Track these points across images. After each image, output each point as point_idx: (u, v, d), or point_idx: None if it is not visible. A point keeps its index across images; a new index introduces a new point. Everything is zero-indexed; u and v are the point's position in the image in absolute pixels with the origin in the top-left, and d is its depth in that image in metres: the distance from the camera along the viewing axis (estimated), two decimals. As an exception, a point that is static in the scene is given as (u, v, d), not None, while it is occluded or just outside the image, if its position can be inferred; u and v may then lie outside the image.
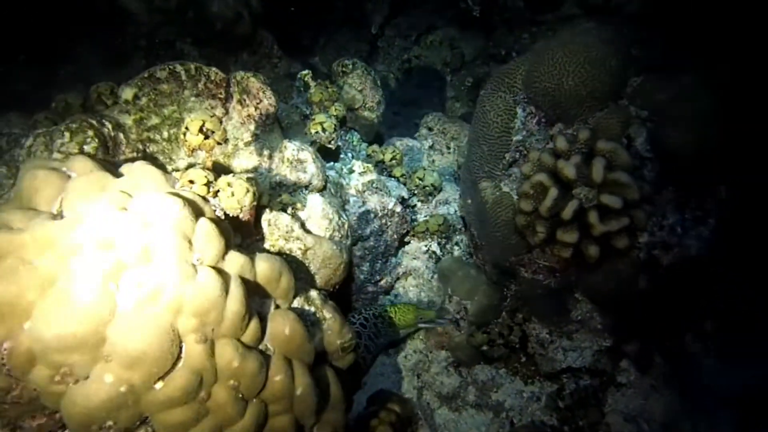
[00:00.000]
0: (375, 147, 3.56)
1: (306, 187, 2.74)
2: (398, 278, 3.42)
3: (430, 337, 3.26)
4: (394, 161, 3.45)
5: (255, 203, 2.15)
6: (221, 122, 2.26)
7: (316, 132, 2.98)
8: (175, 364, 1.84)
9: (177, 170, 2.42)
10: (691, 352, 2.93)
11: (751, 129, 2.39)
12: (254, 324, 2.00)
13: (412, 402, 3.07)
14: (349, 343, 2.31)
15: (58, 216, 1.93)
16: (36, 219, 1.87)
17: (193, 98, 2.65)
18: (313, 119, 3.01)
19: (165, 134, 2.61)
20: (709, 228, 2.48)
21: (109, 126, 2.50)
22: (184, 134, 2.24)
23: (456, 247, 3.48)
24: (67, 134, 2.35)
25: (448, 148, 4.02)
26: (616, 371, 2.93)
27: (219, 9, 4.43)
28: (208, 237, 1.95)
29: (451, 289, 3.22)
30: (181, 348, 1.86)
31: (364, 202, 3.12)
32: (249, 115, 2.68)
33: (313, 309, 2.27)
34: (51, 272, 1.79)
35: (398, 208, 3.24)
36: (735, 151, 2.42)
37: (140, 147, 2.58)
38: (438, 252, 3.45)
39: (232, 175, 2.09)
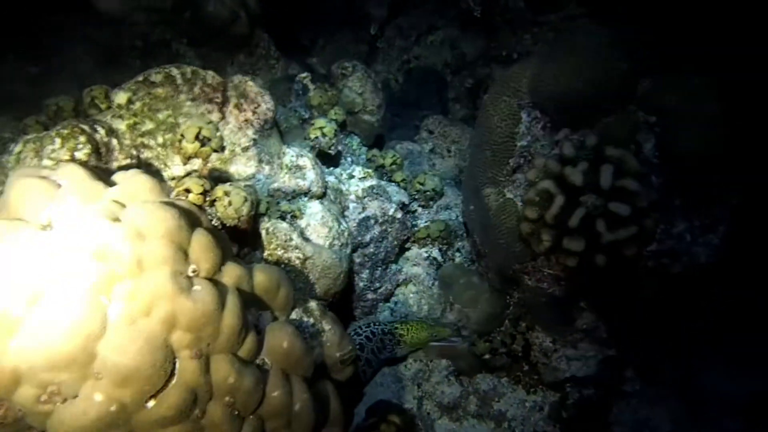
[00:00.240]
0: (375, 151, 3.49)
1: (305, 194, 2.67)
2: (398, 285, 3.35)
3: (431, 345, 3.19)
4: (394, 166, 3.38)
5: (253, 213, 2.08)
6: (218, 129, 2.18)
7: (316, 137, 2.91)
8: (168, 381, 1.78)
9: (173, 178, 2.35)
10: (697, 359, 2.88)
11: (763, 133, 2.33)
12: (251, 338, 1.94)
13: (412, 413, 3.00)
14: (348, 356, 2.24)
15: (48, 227, 1.85)
16: (24, 229, 1.80)
17: (188, 102, 2.58)
18: (313, 124, 2.94)
19: (160, 140, 2.53)
20: (718, 236, 2.41)
21: (102, 131, 2.43)
22: (180, 141, 2.16)
23: (458, 254, 3.41)
24: (58, 140, 2.28)
25: (449, 151, 3.95)
26: (621, 381, 2.86)
27: (215, 9, 4.35)
28: (204, 248, 1.88)
29: (452, 297, 3.16)
30: (174, 364, 1.79)
31: (364, 208, 3.05)
32: (246, 120, 2.61)
33: (312, 320, 2.20)
34: (39, 285, 1.71)
35: (399, 214, 3.17)
36: (746, 156, 2.35)
37: (134, 153, 2.50)
38: (439, 258, 3.38)
39: (229, 183, 2.02)
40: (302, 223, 2.56)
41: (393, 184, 3.36)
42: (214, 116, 2.60)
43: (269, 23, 4.92)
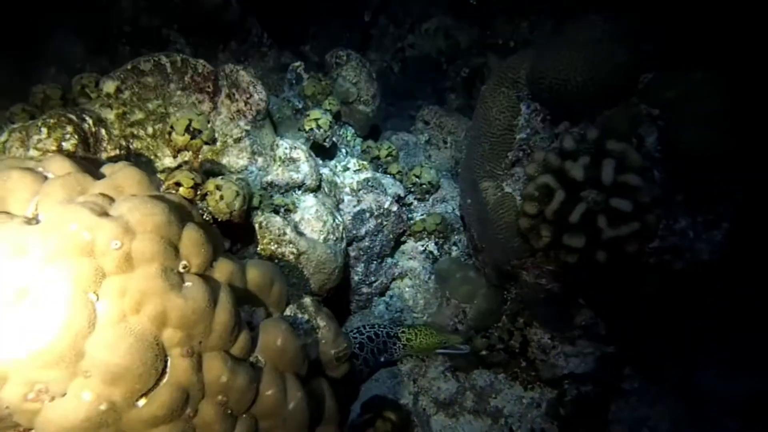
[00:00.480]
0: (370, 142, 3.42)
1: (299, 187, 2.61)
2: (394, 279, 3.30)
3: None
4: (390, 158, 3.32)
5: (245, 207, 2.02)
6: (209, 120, 2.11)
7: (311, 129, 2.84)
8: (159, 379, 1.72)
9: (163, 171, 2.28)
10: (697, 358, 2.85)
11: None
12: (244, 335, 1.88)
13: (407, 408, 2.96)
14: (344, 353, 2.19)
15: (33, 220, 1.79)
16: (8, 223, 1.73)
17: (179, 92, 2.51)
18: (308, 115, 2.86)
19: (149, 130, 2.47)
20: (722, 232, 2.37)
21: (90, 121, 2.35)
22: (170, 133, 2.09)
23: (454, 248, 3.36)
24: (44, 130, 2.21)
25: (445, 142, 3.89)
26: (620, 378, 2.83)
27: (206, -6, 4.27)
28: (195, 243, 1.82)
29: (449, 292, 3.11)
30: (165, 362, 1.74)
31: (359, 201, 2.99)
32: (239, 111, 2.55)
33: (306, 317, 2.15)
34: (24, 281, 1.65)
35: (394, 207, 3.11)
36: (751, 151, 2.30)
37: (123, 143, 2.43)
38: (435, 252, 3.33)
39: (221, 177, 1.95)
40: (296, 217, 2.50)
41: (388, 176, 3.30)
42: (205, 106, 2.54)
43: (261, 10, 4.84)
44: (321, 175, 2.78)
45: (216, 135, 2.37)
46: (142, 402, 1.70)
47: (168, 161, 2.42)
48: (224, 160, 2.50)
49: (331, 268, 2.46)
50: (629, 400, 2.83)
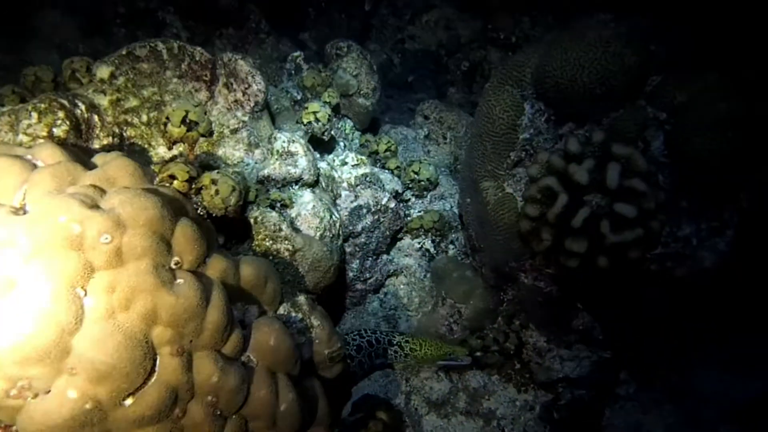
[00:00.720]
0: (369, 136, 3.36)
1: (296, 181, 2.54)
2: (389, 276, 3.25)
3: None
4: (388, 153, 3.26)
5: (241, 203, 1.96)
6: (206, 112, 2.05)
7: (309, 122, 2.77)
8: (147, 378, 1.67)
9: (157, 161, 2.22)
10: (694, 363, 2.81)
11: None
12: (236, 334, 1.83)
13: (399, 408, 2.92)
14: (337, 353, 2.14)
15: (21, 210, 1.72)
16: (-6, 213, 1.67)
17: (175, 79, 2.44)
18: (306, 108, 2.80)
19: (144, 117, 2.40)
20: (725, 240, 2.33)
21: (83, 107, 2.29)
22: (165, 124, 2.02)
23: (451, 246, 3.31)
24: (35, 114, 2.14)
25: (445, 138, 3.83)
26: (615, 383, 2.80)
27: (203, -23, 4.19)
28: (188, 239, 1.77)
29: (445, 291, 3.06)
30: (154, 361, 1.68)
31: (356, 197, 2.93)
32: (236, 101, 2.48)
33: (300, 316, 2.10)
34: (9, 274, 1.59)
35: (392, 204, 3.06)
36: (760, 158, 2.26)
37: (116, 131, 2.37)
38: (432, 250, 3.28)
39: (216, 171, 1.89)
40: (292, 212, 2.44)
41: (386, 171, 3.24)
42: (202, 95, 2.47)
43: (260, -4, 4.76)
44: (319, 169, 2.72)
45: (213, 125, 2.31)
46: (129, 401, 1.65)
47: (162, 150, 2.35)
48: (220, 152, 2.43)
49: (326, 266, 2.41)
50: (624, 406, 2.80)
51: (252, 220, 2.27)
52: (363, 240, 3.00)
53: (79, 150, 2.04)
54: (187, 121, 1.98)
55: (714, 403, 2.83)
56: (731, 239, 2.33)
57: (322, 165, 2.88)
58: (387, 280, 3.26)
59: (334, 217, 2.58)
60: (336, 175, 2.93)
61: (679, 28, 2.44)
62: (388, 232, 3.11)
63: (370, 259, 3.10)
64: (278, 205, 2.39)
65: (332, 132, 2.88)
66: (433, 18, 6.31)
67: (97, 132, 2.32)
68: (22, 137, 2.12)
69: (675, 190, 2.33)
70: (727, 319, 2.63)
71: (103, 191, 1.75)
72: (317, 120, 2.75)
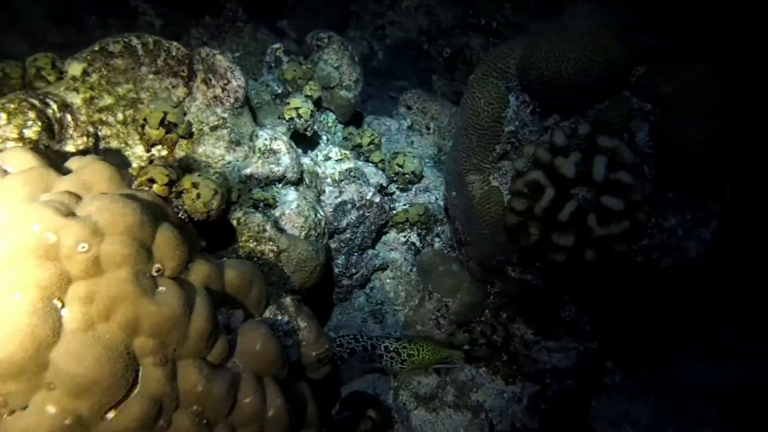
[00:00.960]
0: (352, 129, 3.30)
1: (279, 180, 2.49)
2: (375, 270, 3.22)
3: (408, 335, 3.08)
4: (372, 146, 3.21)
5: (223, 206, 1.90)
6: (185, 112, 1.98)
7: (291, 118, 2.71)
8: (130, 390, 1.62)
9: (134, 163, 2.15)
10: (678, 353, 2.83)
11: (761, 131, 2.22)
12: (222, 341, 1.79)
13: (388, 404, 2.90)
14: (325, 355, 2.11)
15: (-9, 219, 1.66)
16: (-36, 223, 1.60)
17: (151, 76, 2.37)
18: (288, 104, 2.73)
19: (119, 116, 2.33)
20: (710, 230, 2.33)
21: (55, 106, 2.21)
22: (143, 126, 1.96)
23: (437, 239, 3.28)
24: (3, 116, 2.06)
25: (428, 128, 3.78)
26: (601, 373, 2.80)
27: (176, -39, 4.08)
28: (169, 245, 1.71)
29: (431, 286, 3.03)
30: (137, 372, 1.64)
31: (341, 192, 2.88)
32: (215, 97, 2.42)
33: (286, 318, 2.06)
34: (-18, 287, 1.53)
35: (377, 198, 3.01)
36: (745, 149, 2.25)
37: (91, 130, 2.29)
38: (418, 243, 3.25)
39: (197, 174, 1.83)
40: (276, 212, 2.39)
41: (371, 164, 3.19)
42: (180, 91, 2.40)
43: (236, -18, 4.66)
44: (302, 166, 2.66)
45: (192, 123, 2.24)
46: (111, 415, 1.60)
47: (139, 150, 2.28)
48: (200, 149, 2.37)
49: (312, 266, 2.37)
50: (611, 395, 2.81)
51: (235, 222, 2.21)
52: (348, 236, 2.95)
53: (52, 153, 1.97)
54: (166, 122, 1.91)
55: (696, 391, 2.86)
56: (716, 229, 2.33)
57: (306, 161, 2.83)
58: (373, 275, 3.22)
59: (318, 215, 2.54)
60: (320, 171, 2.88)
61: (665, 18, 2.41)
62: (373, 227, 3.07)
63: (356, 254, 3.06)
64: (261, 205, 2.34)
65: (315, 127, 2.82)
66: (413, 3, 6.22)
67: (71, 132, 2.25)
68: (-10, 140, 2.04)
69: (660, 181, 2.32)
70: (710, 309, 2.64)
71: (78, 197, 1.68)
72: (299, 116, 2.69)
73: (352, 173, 2.94)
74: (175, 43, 2.41)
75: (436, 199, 3.34)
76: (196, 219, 1.87)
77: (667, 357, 2.82)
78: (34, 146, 2.08)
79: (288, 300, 2.10)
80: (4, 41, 3.71)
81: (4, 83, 2.47)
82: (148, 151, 2.05)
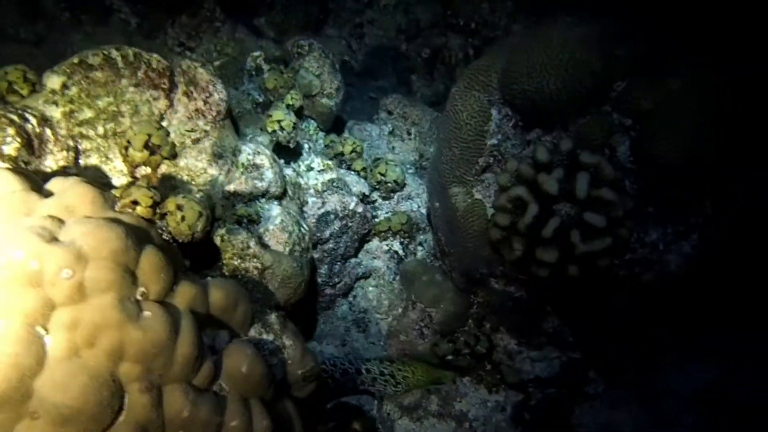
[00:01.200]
0: (333, 137, 3.29)
1: (263, 195, 2.47)
2: (357, 279, 3.22)
3: (392, 345, 3.09)
4: (354, 154, 3.20)
5: (208, 228, 1.89)
6: (167, 129, 1.95)
7: (273, 131, 2.69)
8: (115, 418, 1.60)
9: (114, 178, 2.12)
10: (659, 364, 2.87)
11: (743, 141, 2.26)
12: (207, 365, 1.78)
13: (372, 415, 2.91)
14: (310, 373, 2.11)
15: (-29, 245, 1.62)
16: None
17: (132, 88, 2.34)
18: (270, 116, 2.71)
19: (100, 129, 2.29)
20: (691, 243, 2.36)
21: (34, 121, 2.17)
22: (126, 148, 1.93)
23: (420, 248, 3.29)
24: (-19, 133, 2.02)
25: (409, 134, 3.79)
26: (584, 382, 2.84)
27: (150, -43, 4.00)
28: (154, 269, 1.70)
29: (414, 295, 3.04)
30: (122, 398, 1.62)
31: (323, 203, 2.87)
32: (197, 110, 2.39)
33: (272, 336, 2.06)
34: (-38, 317, 1.50)
35: (360, 208, 3.01)
36: (723, 163, 2.28)
37: (71, 144, 2.26)
38: (400, 252, 3.26)
39: (182, 195, 1.81)
40: (260, 228, 2.37)
41: (352, 173, 3.19)
42: (161, 103, 2.38)
43: (213, -21, 4.58)
44: (285, 180, 2.65)
45: (176, 146, 2.20)
46: (97, 442, 1.59)
47: (120, 164, 2.25)
48: (182, 162, 2.35)
49: (297, 282, 2.36)
50: (593, 404, 2.84)
51: (219, 239, 2.19)
52: (331, 246, 2.95)
53: (32, 172, 1.94)
54: (150, 144, 1.89)
55: (676, 396, 2.90)
56: (696, 242, 2.37)
57: (288, 172, 2.81)
58: (356, 284, 3.23)
59: (303, 229, 2.53)
60: (302, 182, 2.87)
61: (646, 31, 2.43)
62: (356, 236, 3.07)
63: (339, 263, 3.06)
64: (245, 221, 2.32)
65: (297, 139, 2.81)
66: (391, 2, 6.21)
67: (51, 147, 2.22)
68: (-33, 158, 2.00)
69: (641, 196, 2.35)
70: (691, 319, 2.68)
71: (61, 222, 1.66)
72: (282, 128, 2.67)
73: (334, 183, 2.94)
74: (155, 56, 2.38)
75: (419, 207, 3.35)
76: (180, 241, 1.85)
77: (649, 368, 2.86)
78: (14, 163, 2.05)
79: (273, 317, 2.09)
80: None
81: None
82: (131, 173, 2.02)
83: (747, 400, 2.88)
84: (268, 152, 2.52)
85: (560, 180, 2.18)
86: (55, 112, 2.27)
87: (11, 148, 2.06)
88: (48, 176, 2.00)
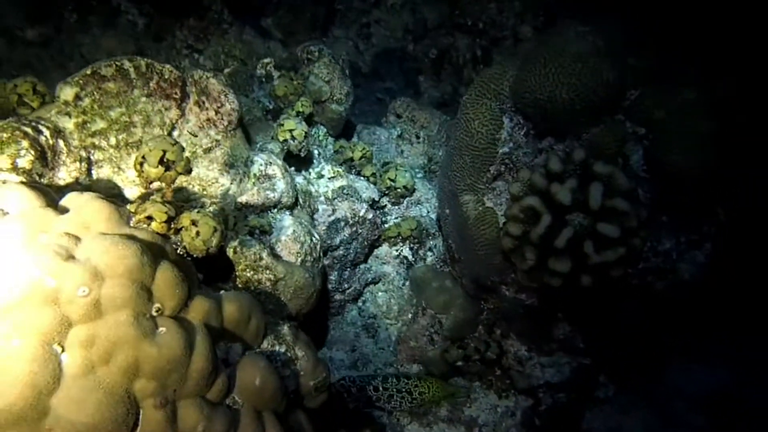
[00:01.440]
0: (343, 142, 3.29)
1: (275, 206, 2.47)
2: (367, 284, 3.22)
3: (401, 351, 3.09)
4: (363, 159, 3.19)
5: (223, 243, 1.89)
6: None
7: (285, 140, 2.69)
8: (131, 434, 1.62)
9: (126, 189, 2.12)
10: (668, 360, 2.87)
11: (756, 150, 2.25)
12: (222, 379, 1.78)
13: (382, 421, 2.92)
14: (322, 383, 2.11)
15: (-12, 263, 1.63)
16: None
17: (144, 99, 2.34)
18: (282, 125, 2.71)
19: (112, 140, 2.30)
20: (704, 252, 2.36)
21: (47, 133, 2.17)
22: (141, 164, 1.93)
23: (429, 253, 3.28)
24: (-5, 145, 2.02)
25: (418, 137, 3.78)
26: (594, 387, 2.84)
27: (159, -39, 4.01)
28: (169, 284, 1.70)
29: (425, 302, 3.04)
30: (137, 415, 1.63)
31: (334, 210, 2.87)
32: (209, 120, 2.39)
33: (284, 348, 2.06)
34: (-20, 335, 1.51)
35: (369, 215, 3.01)
36: (736, 172, 2.28)
37: (83, 155, 2.27)
38: (410, 257, 3.25)
39: (196, 210, 1.82)
40: (272, 238, 2.38)
41: (362, 178, 3.19)
42: (173, 113, 2.38)
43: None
44: (297, 189, 2.65)
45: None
46: (113, 458, 1.60)
47: (132, 174, 2.26)
48: (194, 172, 2.35)
49: (309, 293, 2.36)
50: (603, 409, 2.85)
51: (231, 251, 2.20)
52: (341, 252, 2.96)
53: (47, 187, 1.94)
54: (165, 160, 1.89)
55: (686, 400, 2.90)
56: (709, 251, 2.36)
57: (299, 180, 2.81)
58: (365, 289, 3.23)
59: (314, 239, 2.53)
60: (313, 190, 2.87)
61: (658, 40, 2.42)
62: (366, 242, 3.07)
63: (348, 269, 3.07)
64: (257, 232, 2.33)
65: (309, 148, 2.80)
66: (398, 1, 6.18)
67: (64, 158, 2.22)
68: (-18, 172, 2.00)
69: (655, 205, 2.34)
70: (703, 326, 2.68)
71: (78, 239, 1.66)
72: (293, 138, 2.67)
73: (344, 190, 2.94)
74: (167, 66, 2.38)
75: (428, 212, 3.34)
76: (195, 256, 1.86)
77: (659, 372, 2.86)
78: (29, 175, 2.06)
79: (285, 328, 2.10)
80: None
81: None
82: (146, 188, 2.02)
83: (756, 404, 2.88)
84: (279, 162, 2.52)
85: (573, 190, 2.17)
86: (68, 123, 2.27)
87: (26, 160, 2.06)
88: (62, 189, 2.01)
